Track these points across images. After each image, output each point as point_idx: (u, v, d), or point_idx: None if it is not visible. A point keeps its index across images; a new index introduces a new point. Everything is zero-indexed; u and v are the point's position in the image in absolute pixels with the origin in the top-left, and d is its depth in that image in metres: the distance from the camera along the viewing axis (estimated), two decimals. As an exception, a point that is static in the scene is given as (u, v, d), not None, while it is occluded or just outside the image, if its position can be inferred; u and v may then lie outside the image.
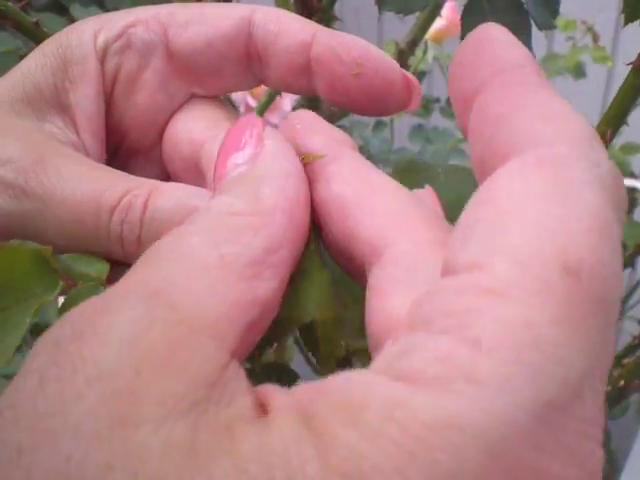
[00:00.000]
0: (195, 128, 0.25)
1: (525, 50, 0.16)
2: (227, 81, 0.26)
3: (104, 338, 0.13)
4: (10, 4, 0.39)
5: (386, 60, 0.24)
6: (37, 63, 0.25)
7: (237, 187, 0.17)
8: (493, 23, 0.17)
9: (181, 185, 0.23)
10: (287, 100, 0.66)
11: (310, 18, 0.41)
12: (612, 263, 0.13)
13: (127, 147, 0.28)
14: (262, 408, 0.13)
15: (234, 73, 0.26)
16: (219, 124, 0.25)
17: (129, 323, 0.13)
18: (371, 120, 0.97)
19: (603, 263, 0.12)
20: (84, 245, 0.22)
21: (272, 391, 0.13)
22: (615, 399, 0.58)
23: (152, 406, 0.12)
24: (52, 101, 0.25)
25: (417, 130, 0.95)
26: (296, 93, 0.27)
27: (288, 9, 0.44)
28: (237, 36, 0.25)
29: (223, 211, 0.17)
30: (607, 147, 0.24)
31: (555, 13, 0.36)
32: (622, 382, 0.57)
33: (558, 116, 0.14)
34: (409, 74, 0.24)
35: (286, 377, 0.20)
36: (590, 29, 0.97)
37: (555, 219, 0.12)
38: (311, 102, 0.50)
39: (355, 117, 0.77)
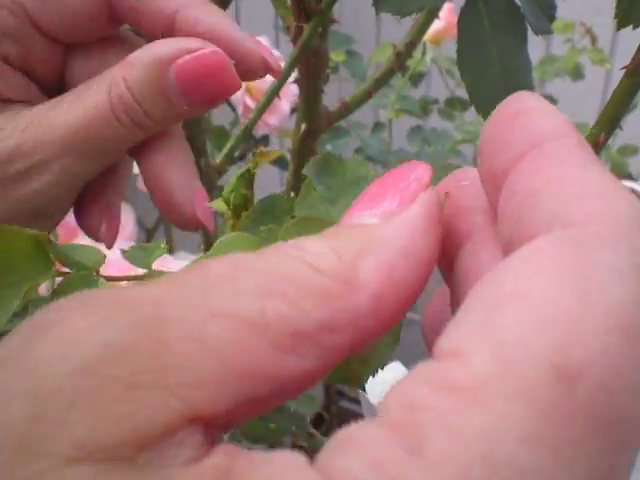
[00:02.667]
0: None
1: (564, 119, 0.14)
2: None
3: (67, 346, 0.11)
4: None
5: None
6: None
7: (345, 240, 0.14)
8: (527, 92, 0.15)
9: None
10: (285, 102, 0.66)
11: (308, 21, 0.41)
12: (632, 375, 0.10)
13: None
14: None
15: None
16: None
17: (98, 345, 0.11)
18: (370, 121, 0.97)
19: (616, 373, 0.10)
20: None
21: (220, 448, 0.12)
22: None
23: (63, 441, 0.10)
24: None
25: (415, 131, 0.95)
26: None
27: (285, 11, 0.44)
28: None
29: (305, 258, 0.13)
30: (601, 151, 0.24)
31: (552, 18, 0.36)
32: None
33: (598, 193, 0.12)
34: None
35: None
36: (588, 31, 0.97)
37: (563, 311, 0.10)
38: (309, 104, 0.50)
39: (354, 118, 0.77)
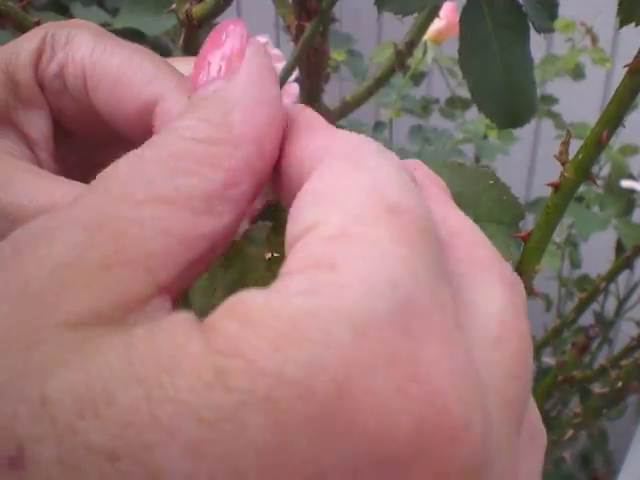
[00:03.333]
0: (137, 81, 0.24)
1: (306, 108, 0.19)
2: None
3: (41, 258, 0.14)
4: (11, 4, 0.39)
5: None
6: None
7: (206, 108, 0.17)
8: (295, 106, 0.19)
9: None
10: (287, 100, 0.66)
11: (308, 19, 0.41)
12: (422, 205, 0.15)
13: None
14: None
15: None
16: (165, 79, 0.24)
17: (69, 246, 0.14)
18: (370, 120, 0.97)
19: (415, 205, 0.15)
20: None
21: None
22: (613, 400, 0.59)
23: (57, 311, 0.13)
24: (5, 116, 0.25)
25: (416, 130, 0.95)
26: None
27: (286, 10, 0.44)
28: (138, 122, 0.24)
29: (186, 136, 0.16)
30: (603, 149, 0.24)
31: (554, 16, 0.36)
32: (620, 383, 0.57)
33: (346, 135, 0.17)
34: None
35: None
36: (589, 31, 0.97)
37: (366, 181, 0.15)
38: (310, 103, 0.50)
39: (355, 117, 0.77)
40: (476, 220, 0.18)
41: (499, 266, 0.17)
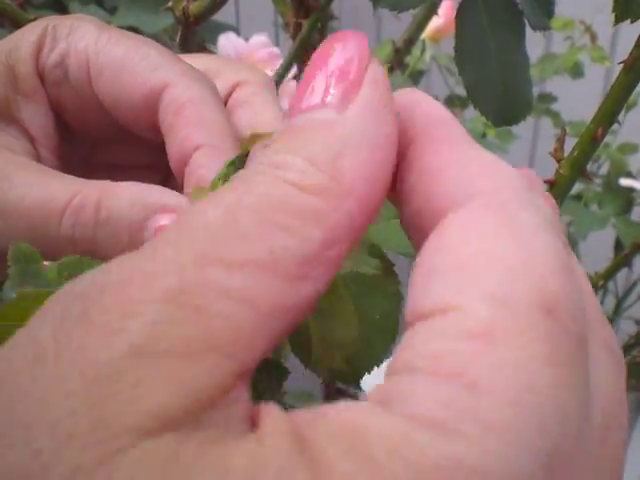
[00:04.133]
0: (143, 68, 0.24)
1: (445, 109, 0.16)
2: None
3: (113, 333, 0.12)
4: (8, 2, 0.39)
5: None
6: None
7: (312, 145, 0.14)
8: (412, 89, 0.16)
9: (134, 183, 0.22)
10: (285, 97, 0.66)
11: (307, 17, 0.41)
12: (580, 299, 0.13)
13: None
14: (254, 422, 0.12)
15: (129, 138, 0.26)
16: (172, 66, 0.24)
17: (147, 324, 0.12)
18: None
19: (575, 300, 0.13)
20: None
21: (267, 407, 0.12)
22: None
23: (138, 415, 0.11)
24: (5, 111, 0.25)
25: (415, 129, 0.95)
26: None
27: (284, 8, 0.44)
28: (142, 109, 0.24)
29: (289, 180, 0.13)
30: (598, 146, 0.24)
31: (550, 14, 0.36)
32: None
33: (493, 167, 0.14)
34: None
35: (276, 372, 0.20)
36: (588, 29, 0.97)
37: (521, 259, 0.12)
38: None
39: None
40: None
41: (606, 334, 0.15)
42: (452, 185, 0.14)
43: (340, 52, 0.15)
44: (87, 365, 0.11)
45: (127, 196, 0.22)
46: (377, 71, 0.15)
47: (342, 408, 0.12)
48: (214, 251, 0.12)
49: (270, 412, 0.12)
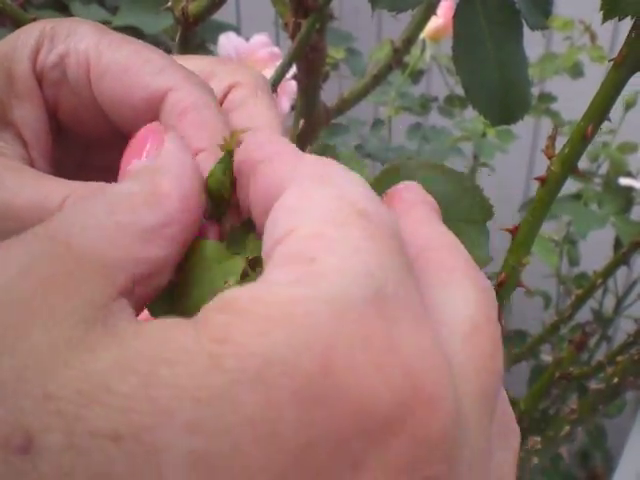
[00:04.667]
0: (146, 72, 0.25)
1: (279, 136, 0.22)
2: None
3: (5, 266, 0.15)
4: (9, 2, 0.39)
5: None
6: None
7: (137, 176, 0.20)
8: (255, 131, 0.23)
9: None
10: (285, 98, 0.66)
11: (306, 17, 0.42)
12: (388, 214, 0.17)
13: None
14: None
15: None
16: (175, 71, 0.24)
17: (29, 255, 0.16)
18: (369, 118, 0.97)
19: (382, 212, 0.17)
20: None
21: None
22: (609, 396, 0.59)
23: (43, 316, 0.14)
24: None
25: (415, 128, 0.95)
26: None
27: (283, 8, 0.44)
28: (144, 112, 0.25)
29: (123, 191, 0.19)
30: (589, 143, 0.25)
31: (547, 13, 0.36)
32: (616, 379, 0.57)
33: (313, 159, 0.19)
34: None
35: None
36: (588, 29, 0.98)
37: (334, 194, 0.17)
38: (307, 100, 0.50)
39: (352, 115, 0.78)
40: (455, 219, 0.19)
41: (473, 273, 0.19)
42: (282, 176, 0.19)
43: (146, 135, 0.23)
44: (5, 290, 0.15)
45: None
46: (173, 134, 0.22)
47: (222, 292, 0.15)
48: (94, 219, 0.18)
49: None
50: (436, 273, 0.18)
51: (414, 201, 0.21)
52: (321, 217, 0.16)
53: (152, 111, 0.24)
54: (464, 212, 0.25)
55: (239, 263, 0.21)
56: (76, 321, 0.15)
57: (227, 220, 0.22)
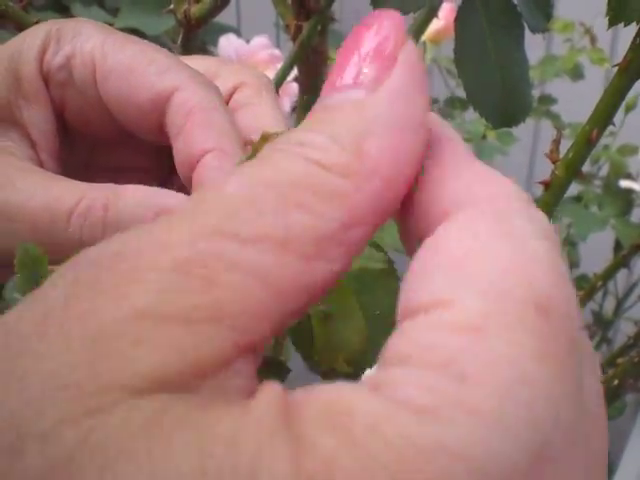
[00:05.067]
0: (151, 72, 0.24)
1: (451, 128, 0.16)
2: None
3: (120, 297, 0.12)
4: (11, 4, 0.39)
5: None
6: None
7: (339, 125, 0.14)
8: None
9: (140, 187, 0.23)
10: (286, 99, 0.66)
11: (307, 19, 0.42)
12: (573, 302, 0.13)
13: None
14: (253, 396, 0.12)
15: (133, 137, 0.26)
16: (180, 70, 0.24)
17: (153, 291, 0.12)
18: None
19: (568, 301, 0.13)
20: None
21: (268, 383, 0.12)
22: (609, 398, 0.59)
23: (132, 374, 0.11)
24: (7, 115, 0.25)
25: (415, 131, 0.95)
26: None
27: (285, 9, 0.44)
28: (149, 112, 0.24)
29: (312, 158, 0.13)
30: (593, 147, 0.25)
31: (548, 16, 0.36)
32: (616, 381, 0.57)
33: (492, 179, 0.15)
34: None
35: (276, 370, 0.20)
36: (588, 31, 0.98)
37: (514, 260, 0.13)
38: (309, 102, 0.50)
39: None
40: None
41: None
42: (451, 194, 0.14)
43: (375, 31, 0.15)
44: (91, 324, 0.12)
45: (134, 198, 0.22)
46: (411, 52, 0.14)
47: (333, 387, 0.12)
48: (228, 225, 0.12)
49: (268, 387, 0.12)
50: None
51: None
52: (488, 297, 0.12)
53: (158, 111, 0.24)
54: None
55: None
56: (163, 386, 0.11)
57: None
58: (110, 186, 0.23)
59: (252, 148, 0.20)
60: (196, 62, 0.27)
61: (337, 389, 0.12)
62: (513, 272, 0.12)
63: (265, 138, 0.19)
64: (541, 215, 0.14)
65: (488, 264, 0.13)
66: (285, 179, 0.13)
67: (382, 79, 0.14)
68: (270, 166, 0.13)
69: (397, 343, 0.12)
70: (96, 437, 0.11)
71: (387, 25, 0.15)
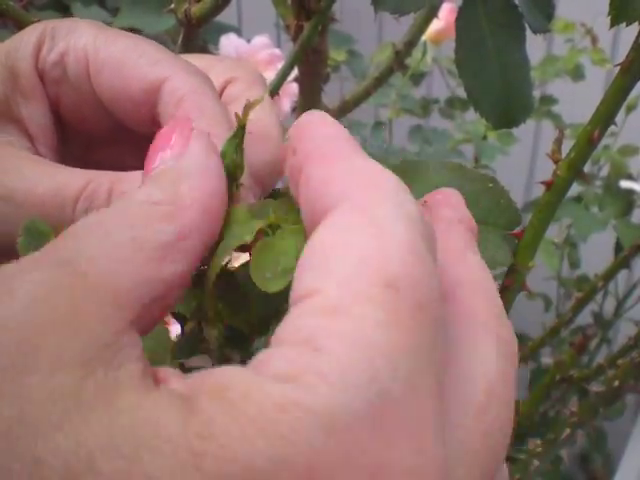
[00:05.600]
0: (143, 63, 0.25)
1: (338, 126, 0.19)
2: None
3: (14, 296, 0.15)
4: (11, 3, 0.39)
5: None
6: None
7: (159, 180, 0.19)
8: (313, 110, 0.20)
9: (142, 172, 0.23)
10: (286, 100, 0.66)
11: (308, 19, 0.42)
12: (425, 277, 0.15)
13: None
14: (155, 382, 0.15)
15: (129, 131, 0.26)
16: (171, 61, 0.24)
17: (38, 284, 0.15)
18: (370, 120, 0.97)
19: (417, 277, 0.15)
20: None
21: (171, 373, 0.15)
22: (610, 399, 0.59)
23: (46, 358, 0.14)
24: (5, 111, 0.26)
25: (416, 131, 0.95)
26: None
27: (285, 10, 0.44)
28: (142, 103, 0.25)
29: (142, 200, 0.18)
30: (595, 148, 0.24)
31: (550, 17, 0.36)
32: (617, 382, 0.57)
33: (366, 173, 0.17)
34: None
35: (240, 339, 0.21)
36: (589, 31, 0.98)
37: (371, 247, 0.15)
38: (309, 102, 0.50)
39: (354, 117, 0.78)
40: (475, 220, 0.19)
41: (496, 326, 0.18)
42: (331, 191, 0.17)
43: (172, 130, 0.21)
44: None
45: (138, 183, 0.22)
46: (200, 132, 0.20)
47: (221, 370, 0.15)
48: (89, 247, 0.17)
49: (171, 376, 0.15)
50: (462, 324, 0.18)
51: (451, 220, 0.20)
52: (345, 283, 0.15)
53: (150, 101, 0.24)
54: (483, 214, 0.25)
55: (257, 224, 0.20)
56: (79, 364, 0.14)
57: (237, 198, 0.21)
58: (114, 172, 0.23)
59: (236, 119, 0.20)
60: (191, 60, 0.27)
61: (223, 371, 0.15)
62: (368, 258, 0.15)
63: (248, 107, 0.20)
64: (410, 200, 0.17)
65: (348, 254, 0.15)
66: (121, 212, 0.18)
67: (183, 152, 0.20)
68: (111, 207, 0.18)
69: (278, 330, 0.15)
70: (28, 417, 0.13)
71: (180, 126, 0.21)
